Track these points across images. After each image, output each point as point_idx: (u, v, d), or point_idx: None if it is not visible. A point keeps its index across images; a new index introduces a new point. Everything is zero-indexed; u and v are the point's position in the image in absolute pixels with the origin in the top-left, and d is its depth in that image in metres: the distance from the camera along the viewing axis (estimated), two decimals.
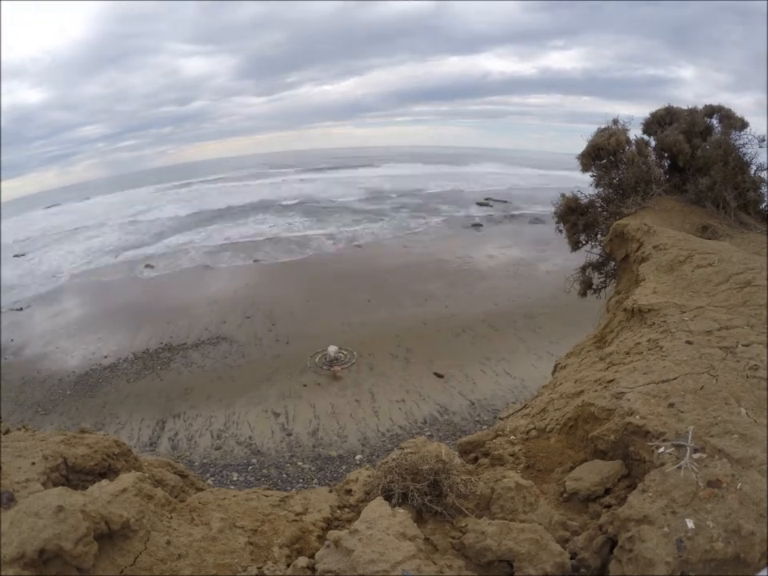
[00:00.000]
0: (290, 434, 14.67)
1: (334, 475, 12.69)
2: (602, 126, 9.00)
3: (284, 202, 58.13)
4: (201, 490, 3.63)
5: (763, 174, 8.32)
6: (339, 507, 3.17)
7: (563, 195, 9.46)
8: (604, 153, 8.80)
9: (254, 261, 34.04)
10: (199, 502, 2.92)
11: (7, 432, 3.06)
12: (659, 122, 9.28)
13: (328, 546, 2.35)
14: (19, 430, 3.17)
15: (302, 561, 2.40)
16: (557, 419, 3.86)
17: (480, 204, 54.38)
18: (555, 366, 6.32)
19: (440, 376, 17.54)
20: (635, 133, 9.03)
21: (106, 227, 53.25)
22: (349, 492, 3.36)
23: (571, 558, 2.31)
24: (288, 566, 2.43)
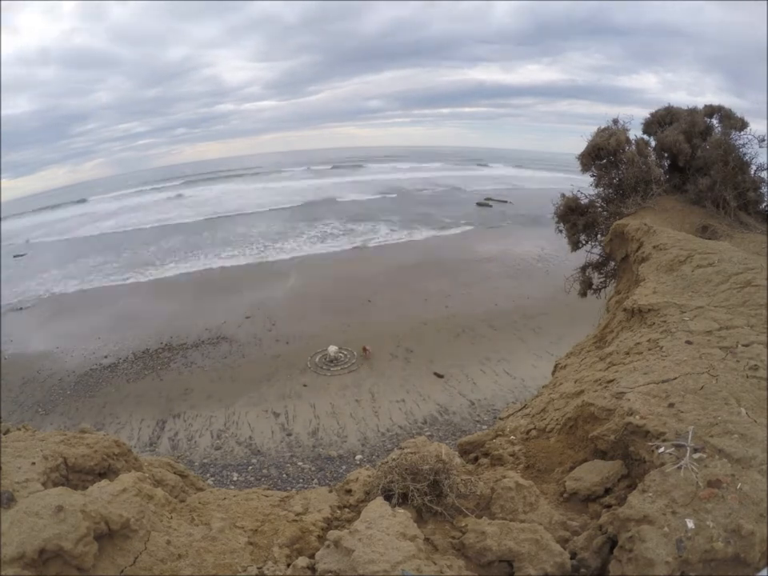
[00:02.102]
0: (289, 434, 14.66)
1: (334, 475, 12.69)
2: (602, 126, 8.99)
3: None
4: (201, 489, 3.63)
5: (763, 174, 8.31)
6: (339, 507, 3.17)
7: (563, 195, 9.46)
8: (604, 153, 8.79)
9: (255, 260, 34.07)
10: (199, 502, 2.92)
11: (7, 432, 3.05)
12: (659, 121, 9.28)
13: (328, 546, 2.35)
14: (19, 430, 3.17)
15: (302, 561, 2.40)
16: (557, 419, 3.86)
17: (480, 204, 54.36)
18: (555, 366, 6.32)
19: (440, 376, 17.53)
20: (635, 133, 9.03)
21: None
22: (349, 492, 3.36)
23: (571, 558, 2.31)
24: (288, 565, 2.43)
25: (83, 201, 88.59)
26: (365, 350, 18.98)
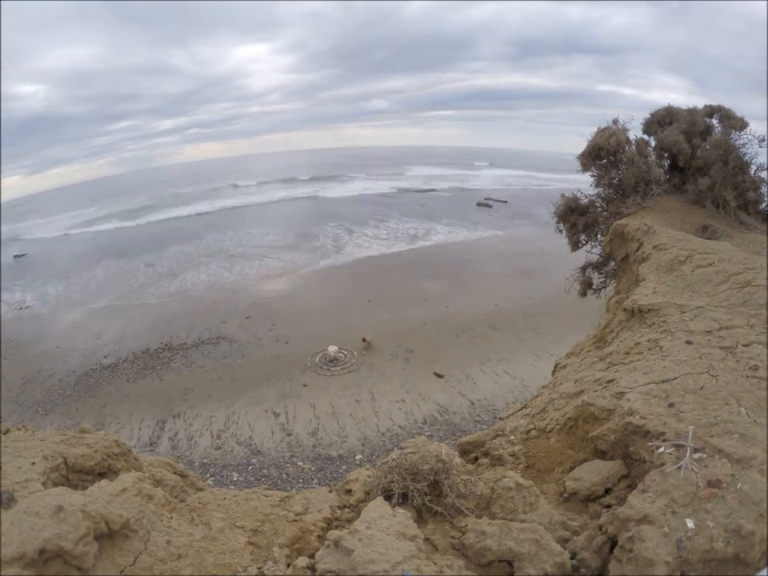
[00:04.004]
0: (289, 434, 14.66)
1: (334, 475, 12.69)
2: (602, 126, 8.99)
3: None
4: (201, 489, 3.63)
5: (763, 174, 8.31)
6: (339, 507, 3.16)
7: (563, 195, 9.46)
8: (604, 153, 8.79)
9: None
10: (199, 502, 2.92)
11: (7, 432, 3.05)
12: (659, 121, 9.28)
13: (328, 546, 2.34)
14: (19, 430, 3.17)
15: (302, 561, 2.40)
16: (557, 419, 3.86)
17: (480, 204, 54.35)
18: (555, 366, 6.31)
19: (440, 376, 17.53)
20: (635, 133, 9.03)
21: None
22: (349, 492, 3.36)
23: (571, 558, 2.31)
24: (288, 565, 2.43)
25: None
26: (364, 340, 19.04)
